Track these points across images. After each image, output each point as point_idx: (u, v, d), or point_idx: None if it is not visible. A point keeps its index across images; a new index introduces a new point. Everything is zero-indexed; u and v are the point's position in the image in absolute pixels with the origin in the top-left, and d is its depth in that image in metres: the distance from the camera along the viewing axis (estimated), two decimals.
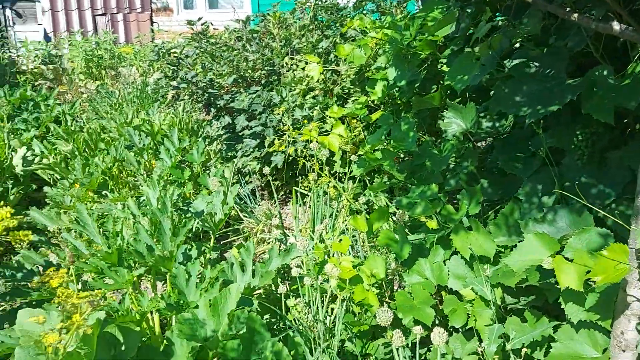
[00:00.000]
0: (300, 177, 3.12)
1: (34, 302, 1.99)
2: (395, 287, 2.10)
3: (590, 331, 1.39)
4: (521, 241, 1.49)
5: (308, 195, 2.95)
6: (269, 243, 3.03)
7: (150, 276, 2.36)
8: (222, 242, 3.17)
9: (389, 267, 1.95)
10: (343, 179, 2.89)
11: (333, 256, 2.02)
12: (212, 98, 3.51)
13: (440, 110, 2.27)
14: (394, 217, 2.24)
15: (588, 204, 1.41)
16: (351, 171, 2.76)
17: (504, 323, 1.58)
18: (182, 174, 3.30)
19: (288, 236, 2.79)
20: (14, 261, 2.18)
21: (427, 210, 1.80)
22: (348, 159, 2.78)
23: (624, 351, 1.23)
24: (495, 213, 1.88)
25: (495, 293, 1.62)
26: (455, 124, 2.12)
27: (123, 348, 1.84)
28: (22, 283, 2.11)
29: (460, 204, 1.86)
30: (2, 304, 2.61)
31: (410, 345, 1.81)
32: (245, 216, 3.33)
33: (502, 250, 1.73)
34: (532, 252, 1.37)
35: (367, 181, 2.80)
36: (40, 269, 2.18)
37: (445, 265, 1.81)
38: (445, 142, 2.10)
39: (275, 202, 3.45)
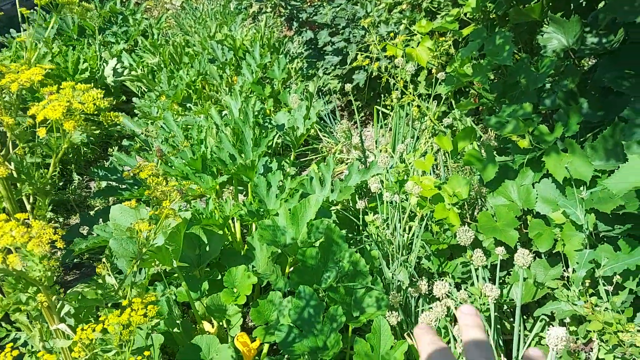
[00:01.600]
0: (382, 97, 3.04)
1: (126, 201, 2.12)
2: (477, 211, 2.04)
3: None
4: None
5: (390, 116, 2.87)
6: (347, 163, 3.02)
7: (231, 187, 2.43)
8: (300, 160, 3.20)
9: (472, 188, 1.88)
10: (427, 101, 2.78)
11: (414, 175, 1.98)
12: (294, 11, 3.43)
13: (540, 24, 2.08)
14: (479, 141, 2.14)
15: None
16: (436, 92, 2.64)
17: (594, 249, 1.49)
18: (262, 90, 3.31)
19: (367, 156, 2.75)
20: (106, 165, 2.31)
21: (519, 129, 1.69)
22: (434, 79, 2.65)
23: None
24: (594, 136, 1.74)
25: (588, 219, 1.52)
26: (555, 39, 1.94)
27: (207, 249, 1.93)
28: (114, 184, 2.25)
29: (556, 124, 1.73)
30: (97, 202, 2.82)
31: (489, 267, 1.77)
32: (324, 136, 3.32)
33: (599, 175, 1.61)
34: (636, 174, 1.26)
35: (453, 103, 2.68)
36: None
37: (533, 188, 1.72)
38: (543, 58, 1.93)
39: (355, 122, 3.41)
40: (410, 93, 2.44)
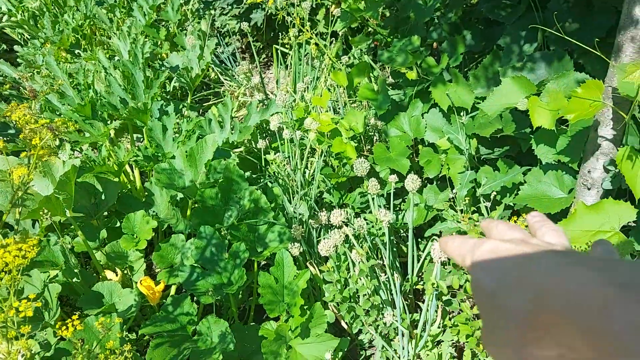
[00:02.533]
0: (281, 37, 3.00)
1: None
2: (374, 143, 2.11)
3: (558, 172, 1.42)
4: None
5: (289, 55, 2.85)
6: (242, 107, 2.98)
7: (128, 135, 2.34)
8: (203, 105, 3.12)
9: (368, 123, 1.94)
10: (327, 39, 2.78)
11: (313, 112, 2.00)
12: None
13: None
14: (375, 77, 2.19)
15: (569, 49, 1.37)
16: (335, 30, 2.64)
17: (477, 171, 1.61)
18: (157, 33, 3.15)
19: (269, 97, 2.74)
20: None
21: (408, 62, 1.75)
22: (330, 17, 2.65)
23: (589, 189, 1.27)
24: (477, 66, 1.83)
25: (470, 144, 1.63)
26: None
27: (103, 197, 1.87)
28: None
29: (442, 55, 1.81)
30: None
31: (385, 195, 1.85)
32: (226, 79, 3.24)
33: (480, 101, 1.72)
34: (508, 96, 1.35)
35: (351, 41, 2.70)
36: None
37: (423, 118, 1.81)
38: None
39: (256, 65, 3.35)
40: (307, 31, 2.43)
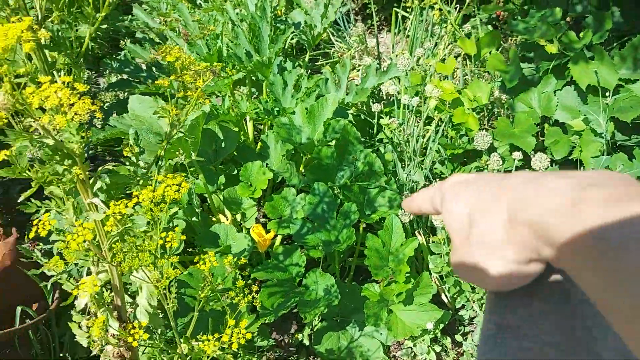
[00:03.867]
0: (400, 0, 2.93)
1: (142, 94, 2.10)
2: (495, 119, 2.04)
3: None
4: None
5: (408, 20, 2.78)
6: (359, 70, 2.96)
7: (242, 88, 2.40)
8: (311, 64, 3.14)
9: (492, 95, 1.87)
10: (449, 4, 2.68)
11: (434, 79, 1.95)
12: None
13: None
14: (499, 50, 2.09)
15: None
16: None
17: (611, 157, 1.51)
18: None
19: (382, 61, 2.70)
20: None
21: (548, 34, 1.65)
22: None
23: None
24: (621, 46, 1.70)
25: (608, 127, 1.53)
26: None
27: (223, 145, 1.95)
28: (126, 77, 2.22)
29: (584, 31, 1.69)
30: (107, 97, 2.81)
31: (503, 172, 1.79)
32: (337, 40, 3.23)
33: (623, 84, 1.60)
34: None
35: (475, 9, 2.59)
36: (143, 65, 2.26)
37: (555, 95, 1.71)
38: None
39: (370, 27, 3.31)
40: None
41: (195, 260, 1.33)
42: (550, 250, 0.32)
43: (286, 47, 2.81)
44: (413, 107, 1.84)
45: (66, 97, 0.68)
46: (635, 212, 0.27)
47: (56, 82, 0.98)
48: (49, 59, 0.97)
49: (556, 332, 0.34)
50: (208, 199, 1.82)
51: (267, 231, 1.75)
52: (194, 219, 1.76)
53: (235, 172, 1.92)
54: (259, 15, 2.04)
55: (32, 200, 1.28)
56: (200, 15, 2.42)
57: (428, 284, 1.55)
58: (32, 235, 0.88)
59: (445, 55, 2.37)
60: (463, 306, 1.69)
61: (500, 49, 2.11)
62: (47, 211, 1.11)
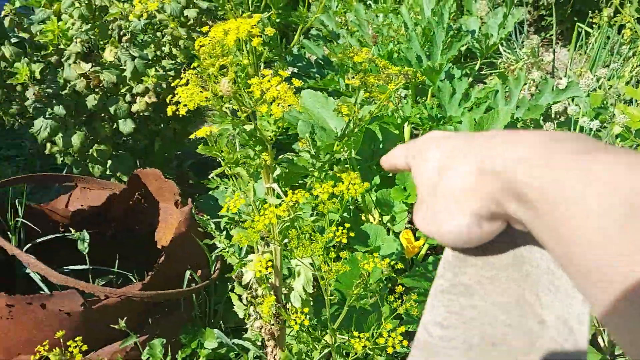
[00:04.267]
0: (589, 14, 2.71)
1: (311, 88, 2.20)
2: None
3: None
4: None
5: (592, 36, 2.58)
6: (526, 84, 2.81)
7: (406, 90, 2.40)
8: (479, 73, 3.04)
9: None
10: None
11: (619, 103, 1.79)
12: None
13: None
14: None
15: None
16: None
17: None
18: None
19: (558, 78, 2.54)
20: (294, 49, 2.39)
21: None
22: None
23: None
24: None
25: None
26: None
27: (381, 146, 1.97)
28: (297, 71, 2.33)
29: None
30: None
31: None
32: (505, 51, 3.09)
33: None
34: None
35: None
36: (312, 60, 2.36)
37: None
38: None
39: (545, 39, 3.12)
40: (627, 13, 2.15)
41: (343, 256, 1.36)
42: (514, 203, 0.32)
43: (458, 53, 2.75)
44: (592, 130, 1.70)
45: (283, 90, 0.73)
46: (602, 162, 0.27)
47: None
48: (258, 52, 1.04)
49: (505, 294, 0.35)
50: (359, 198, 1.86)
51: (417, 238, 1.74)
52: (345, 214, 1.80)
53: (390, 173, 1.93)
54: (436, 20, 2.02)
55: (213, 176, 1.40)
56: (373, 16, 2.46)
57: None
58: (224, 210, 0.96)
59: (632, 77, 2.15)
60: (621, 354, 1.54)
61: None
62: (211, 200, 1.20)
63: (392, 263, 1.25)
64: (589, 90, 1.76)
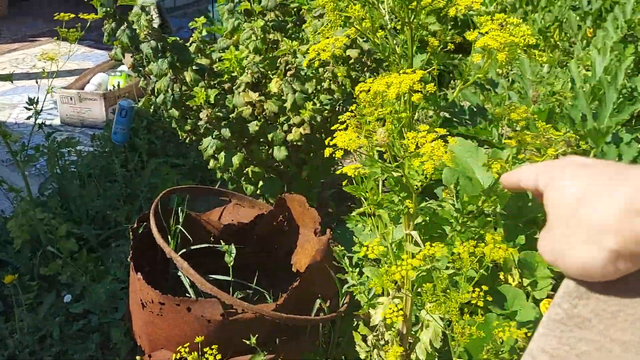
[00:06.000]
0: None
1: (460, 135, 2.17)
2: None
3: None
4: None
5: None
6: None
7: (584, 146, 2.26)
8: None
9: None
10: None
11: None
12: None
13: None
14: None
15: None
16: None
17: None
18: (623, 49, 2.90)
19: None
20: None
21: None
22: None
23: None
24: None
25: None
26: None
27: (529, 204, 1.87)
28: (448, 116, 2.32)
29: None
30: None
31: None
32: None
33: None
34: None
35: None
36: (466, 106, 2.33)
37: None
38: None
39: None
40: None
41: (474, 312, 1.31)
42: None
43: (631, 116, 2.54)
44: None
45: (437, 147, 0.74)
46: None
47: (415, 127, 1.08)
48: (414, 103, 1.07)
49: (628, 332, 0.32)
50: (507, 258, 1.78)
51: None
52: (481, 271, 1.73)
53: (537, 235, 1.82)
54: (608, 80, 1.89)
55: (355, 214, 1.44)
56: (537, 68, 2.37)
57: None
58: (361, 254, 0.99)
59: None
60: None
61: None
62: (347, 232, 1.23)
63: (528, 334, 1.18)
64: None
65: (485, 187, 1.59)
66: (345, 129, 0.83)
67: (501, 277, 1.83)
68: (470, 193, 1.53)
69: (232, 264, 1.56)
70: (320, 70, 2.08)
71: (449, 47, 1.05)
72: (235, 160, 1.85)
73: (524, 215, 1.85)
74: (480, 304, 0.98)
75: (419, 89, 0.80)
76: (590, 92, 1.99)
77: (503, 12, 3.62)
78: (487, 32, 0.82)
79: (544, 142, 0.96)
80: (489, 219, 1.94)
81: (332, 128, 0.86)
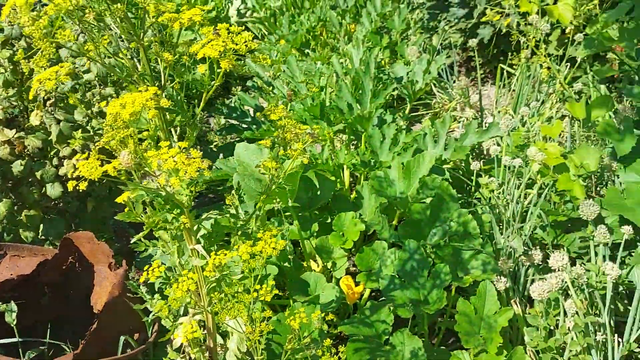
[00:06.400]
0: (509, 55, 2.88)
1: (246, 140, 2.23)
2: (602, 186, 1.92)
3: None
4: None
5: (513, 76, 2.73)
6: (459, 122, 2.93)
7: (342, 135, 2.47)
8: (411, 114, 3.15)
9: (601, 162, 1.77)
10: (557, 62, 2.60)
11: (538, 141, 1.89)
12: None
13: None
14: (612, 112, 1.99)
15: None
16: (569, 55, 2.46)
17: None
18: (380, 40, 3.26)
19: (485, 117, 2.66)
20: (228, 102, 2.43)
21: None
22: (569, 40, 2.46)
23: None
24: None
25: None
26: None
27: (319, 193, 2.00)
28: (234, 122, 2.36)
29: None
30: (215, 138, 2.99)
31: (610, 245, 1.67)
32: (439, 91, 3.23)
33: None
34: None
35: (587, 68, 2.49)
36: (251, 111, 2.40)
37: None
38: None
39: (473, 80, 3.28)
40: (542, 54, 2.29)
41: (284, 305, 1.36)
42: None
43: (387, 98, 2.85)
44: (514, 168, 1.78)
45: (181, 161, 0.75)
46: None
47: (174, 141, 1.07)
48: (168, 118, 1.06)
49: None
50: (301, 245, 1.87)
51: (357, 283, 1.76)
52: (285, 264, 1.80)
53: (329, 220, 1.95)
54: (363, 70, 2.10)
55: (143, 239, 1.39)
56: (306, 66, 2.54)
57: (522, 359, 1.46)
58: (142, 280, 0.96)
59: (552, 114, 2.28)
60: None
61: (615, 110, 2.00)
62: (149, 256, 1.20)
63: (322, 315, 1.26)
64: (509, 130, 1.86)
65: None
66: (87, 157, 0.79)
67: (306, 265, 1.93)
68: (254, 194, 1.58)
69: (14, 323, 1.39)
70: (89, 94, 1.95)
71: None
72: (2, 207, 1.65)
73: (315, 204, 1.98)
74: (268, 299, 1.02)
75: (154, 105, 0.80)
76: (352, 82, 2.20)
77: (273, 17, 3.80)
78: (209, 42, 0.85)
79: (292, 138, 1.03)
80: (287, 213, 2.03)
81: (76, 158, 0.81)
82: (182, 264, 1.24)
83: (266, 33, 3.93)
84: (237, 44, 0.90)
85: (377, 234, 1.84)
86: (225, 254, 1.07)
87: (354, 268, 2.12)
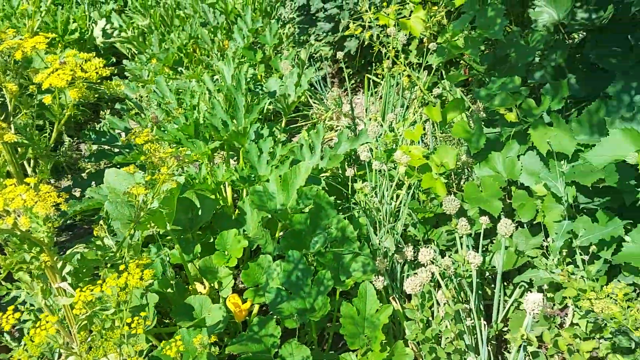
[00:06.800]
0: (374, 65, 3.05)
1: (118, 165, 2.14)
2: (463, 181, 2.10)
3: None
4: None
5: (380, 85, 2.89)
6: (336, 130, 3.05)
7: (223, 152, 2.46)
8: (291, 126, 3.22)
9: (459, 159, 1.93)
10: (418, 70, 2.80)
11: (403, 144, 2.02)
12: None
13: None
14: (468, 112, 2.18)
15: None
16: (427, 62, 2.66)
17: (573, 221, 1.56)
18: (254, 55, 3.29)
19: (357, 124, 2.78)
20: (97, 127, 2.32)
21: (507, 102, 1.73)
22: (425, 49, 2.66)
23: None
24: (579, 111, 1.78)
25: (569, 192, 1.58)
26: (547, 13, 1.96)
27: (200, 213, 1.97)
28: (106, 147, 2.26)
29: (543, 98, 1.77)
30: (88, 165, 2.84)
31: (473, 235, 1.83)
32: (315, 102, 3.33)
33: (582, 149, 1.67)
34: (616, 148, 1.31)
35: (443, 73, 2.70)
36: (123, 134, 2.32)
37: (518, 160, 1.77)
38: (534, 32, 1.96)
39: (346, 90, 3.42)
40: (402, 63, 2.46)
41: (172, 332, 1.31)
42: None
43: (264, 113, 2.89)
44: (385, 171, 1.89)
45: (30, 198, 0.71)
46: None
47: (31, 175, 1.01)
48: (19, 151, 1.00)
49: None
50: (185, 268, 1.83)
51: (244, 300, 1.76)
52: (169, 290, 1.76)
53: (212, 240, 1.93)
54: (235, 86, 2.11)
55: (2, 283, 1.29)
56: (178, 85, 2.50)
57: (403, 353, 1.55)
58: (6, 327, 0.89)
59: (417, 118, 2.45)
60: None
61: (470, 110, 2.19)
62: (13, 298, 1.12)
63: (209, 337, 1.24)
64: (376, 136, 1.97)
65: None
66: None
67: (191, 288, 1.89)
68: (125, 222, 1.52)
69: None
70: None
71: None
72: None
73: (197, 224, 1.95)
74: (140, 331, 0.99)
75: None
76: (225, 99, 2.20)
77: (142, 36, 3.68)
78: (55, 71, 0.81)
79: (157, 162, 1.01)
80: (168, 237, 1.97)
81: None
82: (49, 304, 1.17)
83: (136, 52, 3.81)
84: (86, 72, 0.87)
85: (262, 249, 1.85)
86: (92, 290, 1.02)
87: (243, 285, 2.11)
